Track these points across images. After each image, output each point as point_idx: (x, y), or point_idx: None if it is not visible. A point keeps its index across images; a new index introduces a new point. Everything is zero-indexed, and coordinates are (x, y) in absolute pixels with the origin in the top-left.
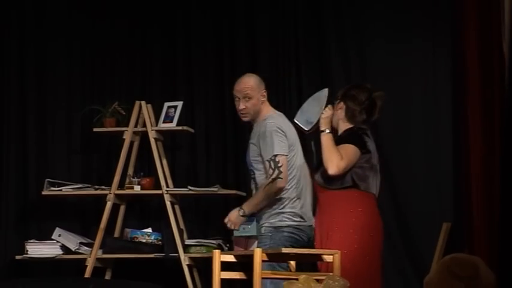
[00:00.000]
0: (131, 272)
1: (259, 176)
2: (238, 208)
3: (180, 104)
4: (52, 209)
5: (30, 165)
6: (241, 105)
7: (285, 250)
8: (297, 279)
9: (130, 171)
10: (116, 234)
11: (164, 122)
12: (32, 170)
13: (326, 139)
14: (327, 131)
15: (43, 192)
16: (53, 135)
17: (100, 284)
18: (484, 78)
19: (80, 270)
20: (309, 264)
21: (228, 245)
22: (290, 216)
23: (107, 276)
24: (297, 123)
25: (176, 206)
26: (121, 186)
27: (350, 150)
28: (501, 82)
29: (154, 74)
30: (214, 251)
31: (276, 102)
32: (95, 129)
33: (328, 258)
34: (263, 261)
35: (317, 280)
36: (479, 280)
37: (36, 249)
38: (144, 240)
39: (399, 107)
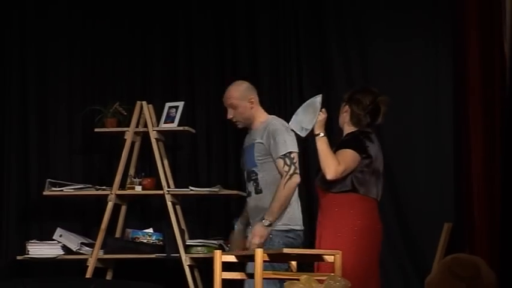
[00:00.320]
0: (132, 273)
1: (264, 177)
2: (259, 222)
3: (181, 104)
4: (53, 209)
5: (32, 166)
6: (228, 115)
7: (286, 250)
8: (298, 280)
9: (132, 171)
10: (117, 234)
11: (165, 122)
12: (33, 170)
13: (321, 143)
14: (321, 134)
15: (44, 193)
16: (54, 136)
17: (101, 285)
18: (485, 78)
19: (81, 271)
20: (309, 265)
21: (229, 245)
22: (294, 221)
23: (108, 277)
24: (292, 130)
25: (177, 207)
26: (122, 186)
27: (348, 155)
28: (502, 82)
29: (156, 74)
30: (216, 251)
31: (277, 103)
32: (96, 130)
33: (329, 258)
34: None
35: (318, 280)
36: (481, 280)
37: (38, 250)
38: (145, 241)
39: (400, 107)
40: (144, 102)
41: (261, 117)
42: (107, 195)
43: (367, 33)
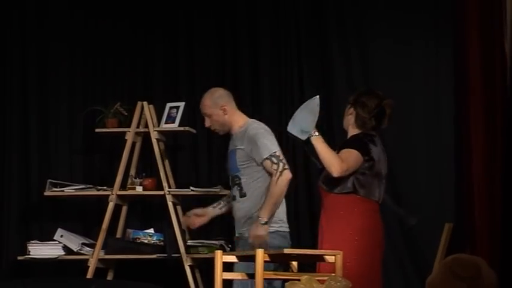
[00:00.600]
0: (133, 273)
1: (247, 181)
2: (255, 222)
3: (182, 104)
4: (54, 210)
5: (32, 166)
6: (205, 123)
7: (286, 251)
8: (299, 280)
9: (133, 171)
10: (118, 234)
11: (166, 122)
12: (34, 170)
13: (319, 143)
14: (316, 133)
15: (45, 193)
16: (55, 136)
17: (102, 285)
18: (486, 78)
19: (81, 271)
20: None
21: (229, 245)
22: (280, 223)
23: (109, 277)
24: (290, 133)
25: (178, 207)
26: (123, 186)
27: (351, 155)
28: (503, 82)
29: (156, 74)
30: (216, 251)
31: (278, 103)
32: (97, 130)
33: (330, 259)
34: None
35: (319, 281)
36: (481, 280)
37: (38, 250)
38: (146, 241)
39: (401, 107)
40: (145, 103)
41: (239, 122)
42: (108, 195)
43: (368, 34)
